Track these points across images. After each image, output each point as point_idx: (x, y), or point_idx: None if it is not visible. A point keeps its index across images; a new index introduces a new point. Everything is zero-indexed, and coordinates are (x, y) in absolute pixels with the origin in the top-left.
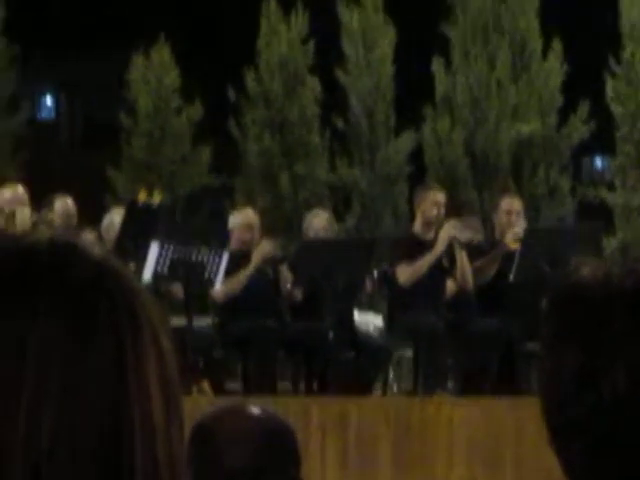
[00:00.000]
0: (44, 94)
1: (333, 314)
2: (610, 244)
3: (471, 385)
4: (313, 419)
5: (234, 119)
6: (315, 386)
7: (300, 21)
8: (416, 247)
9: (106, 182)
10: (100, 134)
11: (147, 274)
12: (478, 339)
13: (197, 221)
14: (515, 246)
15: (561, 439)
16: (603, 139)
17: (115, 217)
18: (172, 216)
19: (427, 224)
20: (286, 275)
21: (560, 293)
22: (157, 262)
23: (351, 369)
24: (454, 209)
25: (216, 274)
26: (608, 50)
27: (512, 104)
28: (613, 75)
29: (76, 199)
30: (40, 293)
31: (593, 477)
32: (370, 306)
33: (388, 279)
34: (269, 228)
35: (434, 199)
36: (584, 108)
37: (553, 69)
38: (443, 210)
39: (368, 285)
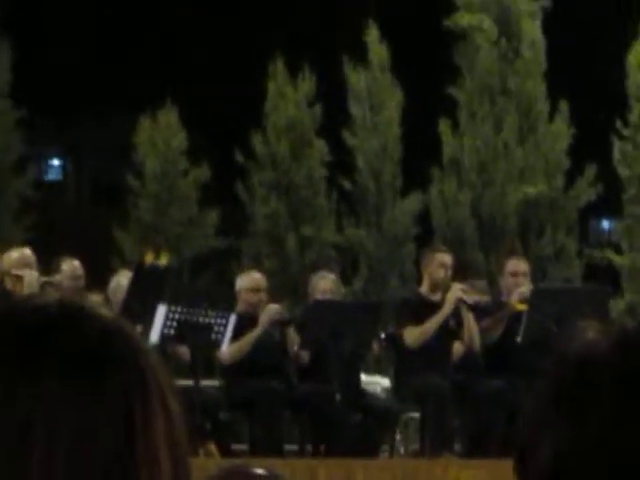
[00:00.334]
0: (51, 156)
1: (340, 376)
2: (617, 306)
3: (478, 447)
4: None
5: (241, 181)
6: (322, 448)
7: (307, 83)
8: (423, 309)
9: (113, 243)
10: (107, 196)
11: (154, 336)
12: (485, 400)
13: (204, 283)
14: (521, 307)
15: None
16: (610, 201)
17: (122, 279)
18: (179, 278)
19: (434, 286)
20: (293, 337)
21: (563, 362)
22: (164, 324)
23: (358, 431)
24: (461, 271)
25: (223, 336)
26: (615, 112)
27: (519, 166)
28: (620, 137)
29: (83, 261)
30: (48, 356)
31: None
32: (377, 368)
33: (395, 341)
34: (276, 290)
35: (441, 261)
36: (591, 170)
37: (560, 131)
38: (450, 272)
39: (375, 347)
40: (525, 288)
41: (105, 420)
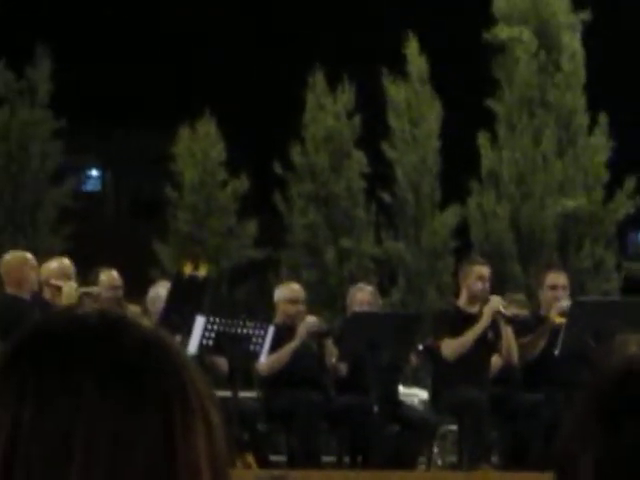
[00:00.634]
0: (90, 167)
1: (378, 388)
2: None
3: (515, 459)
4: None
5: (280, 192)
6: (359, 460)
7: (346, 95)
8: (461, 321)
9: (152, 255)
10: (145, 207)
11: (192, 347)
12: (523, 413)
13: (242, 294)
14: (560, 320)
15: None
16: None
17: (161, 290)
18: (217, 289)
19: (472, 298)
20: (331, 349)
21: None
22: (202, 335)
23: (395, 443)
24: (499, 284)
25: (261, 347)
26: None
27: (558, 179)
28: None
29: (121, 272)
30: (87, 366)
31: None
32: (415, 380)
33: (432, 353)
34: (314, 302)
35: (479, 273)
36: (630, 183)
37: (599, 144)
38: (488, 284)
39: (413, 359)
40: (565, 302)
41: (144, 430)
